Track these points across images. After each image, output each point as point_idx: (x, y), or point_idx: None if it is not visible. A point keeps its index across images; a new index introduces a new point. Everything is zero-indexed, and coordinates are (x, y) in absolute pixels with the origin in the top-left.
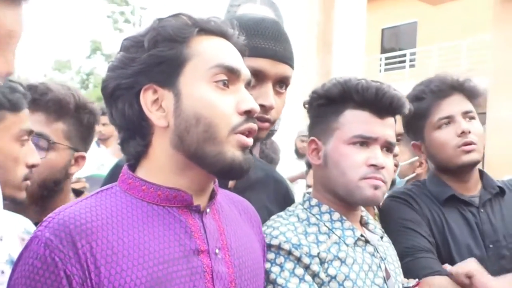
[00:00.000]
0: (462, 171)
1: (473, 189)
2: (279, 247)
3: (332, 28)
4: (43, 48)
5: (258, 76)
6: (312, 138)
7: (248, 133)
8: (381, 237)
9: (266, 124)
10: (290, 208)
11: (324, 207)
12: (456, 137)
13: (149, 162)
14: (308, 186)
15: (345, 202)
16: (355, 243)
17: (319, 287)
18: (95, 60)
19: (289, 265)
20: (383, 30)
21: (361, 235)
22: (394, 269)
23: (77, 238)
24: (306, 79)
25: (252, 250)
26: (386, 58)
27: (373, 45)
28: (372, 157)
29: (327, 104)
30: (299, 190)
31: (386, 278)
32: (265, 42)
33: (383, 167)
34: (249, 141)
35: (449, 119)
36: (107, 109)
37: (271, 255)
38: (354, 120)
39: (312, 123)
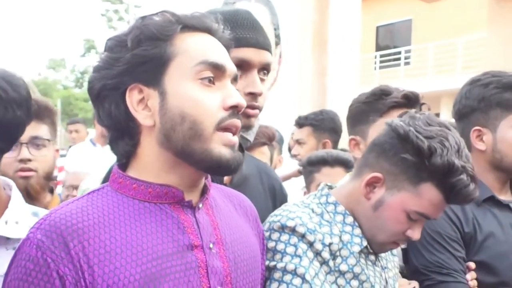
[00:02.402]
0: None
1: (507, 193)
2: (293, 229)
3: (327, 26)
4: (38, 46)
5: (243, 66)
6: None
7: (234, 129)
8: None
9: (256, 111)
10: (306, 200)
11: (340, 208)
12: None
13: (139, 161)
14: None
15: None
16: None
17: (326, 274)
18: (89, 58)
19: (302, 246)
20: (378, 28)
21: (366, 246)
22: (393, 276)
23: (68, 239)
24: (301, 78)
25: (248, 244)
26: (381, 56)
27: (368, 43)
28: None
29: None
30: (292, 188)
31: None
32: (245, 32)
33: None
34: (234, 139)
35: None
36: (94, 109)
37: (284, 236)
38: (429, 194)
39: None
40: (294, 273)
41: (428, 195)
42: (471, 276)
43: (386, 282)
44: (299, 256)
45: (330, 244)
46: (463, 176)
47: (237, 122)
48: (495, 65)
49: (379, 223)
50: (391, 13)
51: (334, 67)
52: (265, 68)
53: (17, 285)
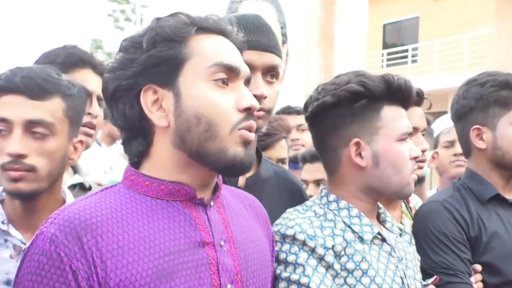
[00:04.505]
0: None
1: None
2: (293, 237)
3: (334, 24)
4: (45, 46)
5: None
6: (356, 140)
7: (248, 130)
8: (400, 234)
9: (261, 113)
10: (308, 203)
11: (343, 203)
12: None
13: (152, 160)
14: (304, 181)
15: (376, 198)
16: (371, 241)
17: (333, 278)
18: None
19: (303, 255)
20: (384, 25)
21: (378, 233)
22: (413, 267)
23: (82, 233)
24: (308, 76)
25: (258, 243)
26: (388, 54)
27: (375, 40)
28: (413, 149)
29: (366, 102)
30: None
31: (403, 279)
32: (248, 35)
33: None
34: (251, 135)
35: None
36: (108, 110)
37: (286, 246)
38: (396, 116)
39: (347, 123)
40: (298, 283)
41: (392, 115)
42: (475, 279)
43: (404, 274)
44: (302, 265)
45: (333, 246)
46: (399, 76)
47: (253, 123)
48: (502, 60)
49: (388, 171)
50: (398, 10)
51: (341, 64)
52: (271, 70)
53: (30, 278)
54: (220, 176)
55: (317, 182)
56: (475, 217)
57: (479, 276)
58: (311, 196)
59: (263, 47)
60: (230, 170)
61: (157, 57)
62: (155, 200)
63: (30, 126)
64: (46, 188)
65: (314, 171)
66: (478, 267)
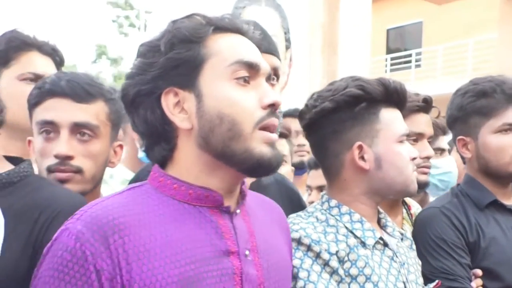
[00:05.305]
0: (510, 179)
1: (510, 198)
2: (299, 241)
3: (337, 29)
4: None
5: None
6: (359, 143)
7: (272, 128)
8: (401, 239)
9: None
10: (309, 209)
11: (344, 208)
12: None
13: (176, 165)
14: (308, 187)
15: (379, 201)
16: (373, 246)
17: (337, 284)
18: (100, 64)
19: (308, 261)
20: (388, 30)
21: (380, 238)
22: (415, 271)
23: (109, 233)
24: (311, 81)
25: (281, 252)
26: (392, 59)
27: (378, 45)
28: (411, 150)
29: (365, 106)
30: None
31: (405, 283)
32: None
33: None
34: (274, 136)
35: None
36: (129, 117)
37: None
38: (394, 118)
39: (347, 128)
40: None
41: (389, 117)
42: (476, 284)
43: (406, 278)
44: (307, 270)
45: (337, 251)
46: (393, 80)
47: (275, 120)
48: (505, 65)
49: (391, 172)
50: (402, 15)
51: (344, 69)
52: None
53: (52, 274)
54: (246, 183)
55: (320, 188)
56: (473, 223)
57: (479, 281)
58: (311, 203)
59: (263, 49)
60: (257, 170)
61: (176, 59)
62: (182, 204)
63: (76, 129)
64: (89, 190)
65: (317, 177)
66: (479, 271)
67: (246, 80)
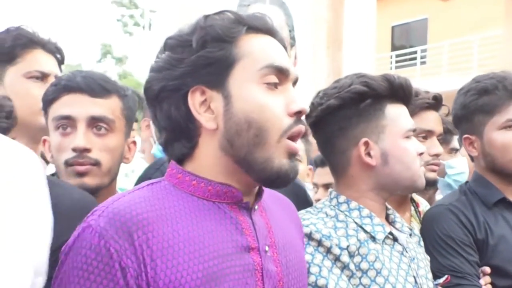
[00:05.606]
0: None
1: None
2: (309, 237)
3: (342, 26)
4: None
5: None
6: (365, 139)
7: (297, 136)
8: (410, 235)
9: None
10: (318, 205)
11: (353, 204)
12: None
13: (196, 163)
14: (314, 184)
15: (386, 197)
16: (383, 241)
17: (348, 279)
18: (105, 63)
19: (318, 256)
20: (393, 27)
21: (390, 233)
22: (424, 266)
23: (133, 229)
24: (315, 77)
25: (297, 248)
26: (397, 56)
27: (383, 42)
28: (418, 145)
29: (371, 102)
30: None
31: (415, 278)
32: None
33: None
34: (297, 148)
35: None
36: (150, 110)
37: None
38: (399, 114)
39: (353, 124)
40: (315, 285)
41: (395, 113)
42: (484, 281)
43: (416, 273)
44: (318, 266)
45: (348, 246)
46: (398, 76)
47: (302, 128)
48: (511, 61)
49: (398, 168)
50: (406, 12)
51: (349, 66)
52: None
53: (76, 274)
54: None
55: (326, 186)
56: (481, 221)
57: (488, 278)
58: (318, 200)
59: None
60: (274, 182)
61: (207, 57)
62: (201, 201)
63: (93, 123)
64: (107, 185)
65: (324, 175)
66: (487, 269)
67: (275, 85)
